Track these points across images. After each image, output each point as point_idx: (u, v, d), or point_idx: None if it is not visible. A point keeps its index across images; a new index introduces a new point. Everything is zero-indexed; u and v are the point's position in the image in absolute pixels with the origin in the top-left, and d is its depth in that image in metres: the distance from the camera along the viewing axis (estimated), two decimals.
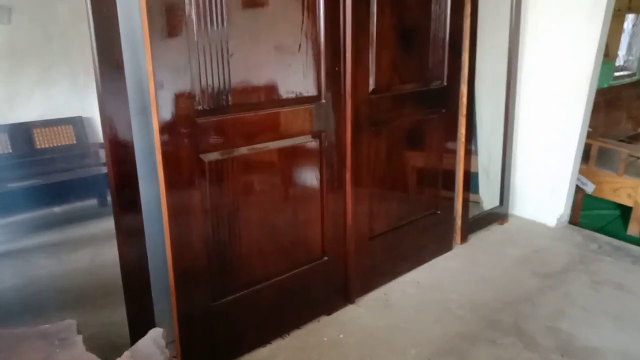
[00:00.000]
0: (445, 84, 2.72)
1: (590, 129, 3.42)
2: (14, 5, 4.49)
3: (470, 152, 3.05)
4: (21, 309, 2.13)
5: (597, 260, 2.95)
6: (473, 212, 3.40)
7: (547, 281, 2.72)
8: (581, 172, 3.77)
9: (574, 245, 3.16)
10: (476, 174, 3.59)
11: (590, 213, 4.39)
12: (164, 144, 1.71)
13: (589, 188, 3.72)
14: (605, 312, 2.44)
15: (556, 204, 3.40)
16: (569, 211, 3.46)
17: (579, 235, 3.30)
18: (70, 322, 1.41)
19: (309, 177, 2.20)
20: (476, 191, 3.62)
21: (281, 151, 2.07)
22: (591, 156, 4.08)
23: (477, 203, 3.61)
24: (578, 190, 3.72)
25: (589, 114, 3.27)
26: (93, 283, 2.74)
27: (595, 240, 3.22)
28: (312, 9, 2.03)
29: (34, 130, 3.72)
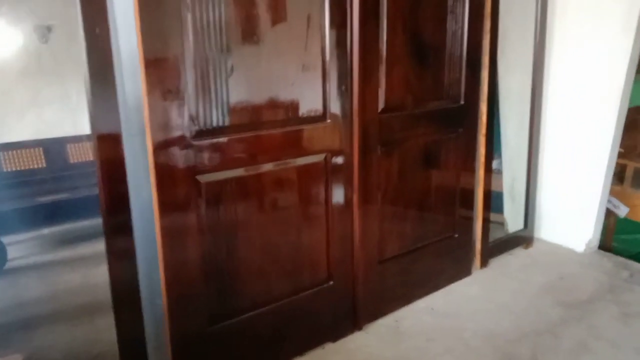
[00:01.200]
0: (463, 102, 2.61)
1: (621, 149, 3.24)
2: (53, 24, 4.60)
3: (490, 173, 2.92)
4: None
5: (628, 290, 2.77)
6: (496, 234, 3.26)
7: (572, 311, 2.55)
8: (615, 194, 3.57)
9: (604, 272, 2.97)
10: (501, 193, 3.46)
11: (626, 237, 4.14)
12: (158, 166, 1.68)
13: (622, 211, 3.51)
14: (635, 348, 2.27)
15: (585, 228, 3.22)
16: (598, 236, 3.27)
17: (609, 262, 3.11)
18: (16, 357, 1.36)
19: (314, 198, 2.13)
20: (501, 211, 3.48)
21: (283, 172, 2.01)
22: (626, 177, 3.85)
23: (502, 224, 3.47)
24: (610, 213, 3.52)
25: (620, 133, 3.10)
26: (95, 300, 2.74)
27: (627, 268, 3.03)
28: (316, 26, 1.98)
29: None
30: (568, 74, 3.12)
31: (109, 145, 1.63)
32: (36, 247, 3.74)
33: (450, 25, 2.45)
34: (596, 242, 3.27)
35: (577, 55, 3.06)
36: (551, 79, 3.19)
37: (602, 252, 3.27)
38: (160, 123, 1.66)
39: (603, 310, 2.56)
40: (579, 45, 3.04)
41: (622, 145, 3.25)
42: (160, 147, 1.67)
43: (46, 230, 4.01)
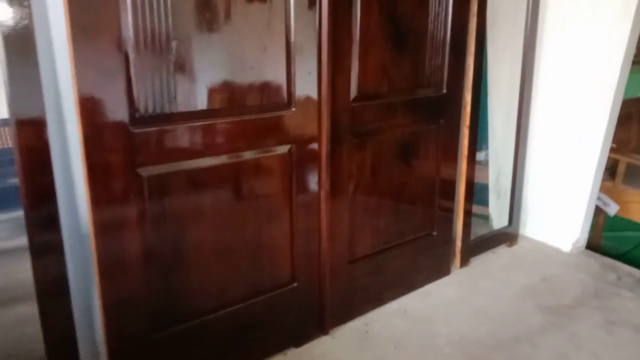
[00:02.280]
0: (445, 91, 2.42)
1: (613, 145, 3.07)
2: None
3: (473, 167, 2.75)
4: None
5: (615, 295, 2.61)
6: (481, 229, 3.10)
7: (553, 317, 2.40)
8: (606, 190, 3.41)
9: (590, 274, 2.82)
10: (487, 186, 3.29)
11: (616, 235, 4.00)
12: (90, 156, 1.49)
13: (612, 209, 3.35)
14: None
15: (572, 226, 3.06)
16: (586, 235, 3.12)
17: (597, 263, 2.96)
18: None
19: (275, 194, 1.95)
20: (488, 204, 3.32)
21: (241, 165, 1.82)
22: (618, 173, 3.69)
23: (487, 218, 3.31)
24: (600, 211, 3.36)
25: (613, 127, 2.92)
26: None
27: (615, 270, 2.88)
28: (280, 2, 1.77)
29: None
30: (560, 64, 2.93)
31: (30, 131, 1.43)
32: None
33: (432, 6, 2.24)
34: (583, 242, 3.12)
35: (570, 44, 2.86)
36: (542, 68, 3.00)
37: (589, 252, 3.11)
38: (93, 108, 1.46)
39: (587, 317, 2.41)
40: (573, 34, 2.84)
41: (615, 139, 3.08)
42: (93, 136, 1.48)
43: None
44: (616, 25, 2.66)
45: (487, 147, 3.35)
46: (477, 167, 3.31)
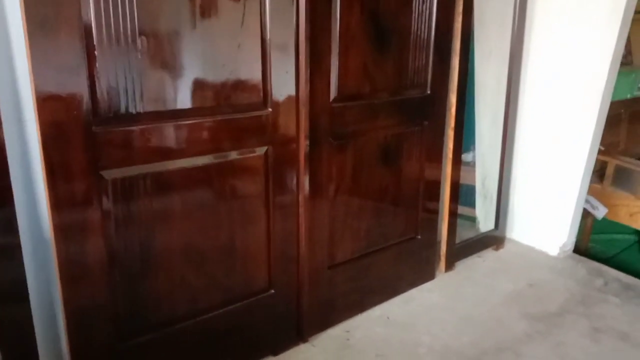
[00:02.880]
0: (429, 92, 2.36)
1: (601, 147, 3.02)
2: None
3: (458, 170, 2.69)
4: None
5: (601, 301, 2.56)
6: (468, 232, 3.04)
7: (538, 325, 2.34)
8: (594, 192, 3.36)
9: (576, 280, 2.77)
10: (474, 187, 3.24)
11: (604, 237, 3.96)
12: (49, 158, 1.41)
13: (600, 212, 3.30)
14: None
15: (559, 230, 3.01)
16: (573, 239, 3.07)
17: (584, 267, 2.91)
18: None
19: (251, 197, 1.87)
20: (474, 205, 3.26)
21: (213, 167, 1.75)
22: (607, 175, 3.64)
23: (474, 220, 3.25)
24: (588, 214, 3.32)
25: (601, 129, 2.87)
26: None
27: (602, 275, 2.83)
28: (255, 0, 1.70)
29: None
30: (547, 65, 2.88)
31: None
32: None
33: (416, 5, 2.18)
34: (571, 246, 3.07)
35: (558, 46, 2.81)
36: (529, 69, 2.95)
37: (576, 256, 3.06)
38: (52, 107, 1.38)
39: (572, 325, 2.36)
40: (561, 36, 2.79)
41: (603, 141, 3.03)
42: (53, 136, 1.40)
43: None
44: (604, 27, 2.61)
45: (474, 149, 3.29)
46: (465, 168, 3.26)
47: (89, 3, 1.38)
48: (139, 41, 1.49)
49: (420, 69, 2.29)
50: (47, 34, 1.33)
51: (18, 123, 1.51)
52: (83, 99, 1.42)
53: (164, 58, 1.55)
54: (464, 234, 3.02)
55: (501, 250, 3.09)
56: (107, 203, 1.54)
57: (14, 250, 1.46)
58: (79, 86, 1.41)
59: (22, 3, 1.29)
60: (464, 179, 3.22)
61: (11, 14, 1.41)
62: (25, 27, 1.31)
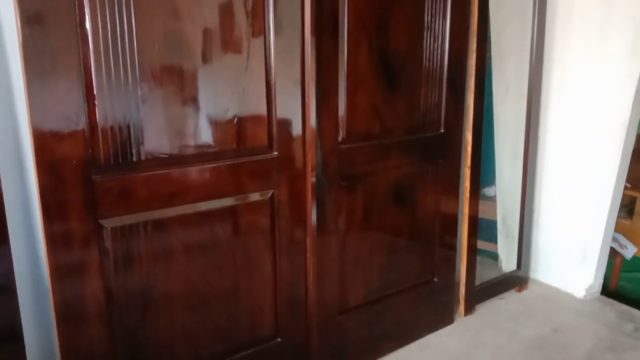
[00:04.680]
0: (443, 130, 2.29)
1: (627, 184, 2.90)
2: None
3: (476, 210, 2.59)
4: None
5: (632, 349, 2.41)
6: (489, 272, 2.92)
7: None
8: (623, 229, 3.22)
9: (604, 324, 2.61)
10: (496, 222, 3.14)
11: (634, 276, 3.77)
12: (47, 207, 1.39)
13: (629, 252, 3.15)
14: None
15: (586, 270, 2.87)
16: (600, 280, 2.92)
17: (612, 310, 2.75)
18: None
19: (256, 242, 1.83)
20: (497, 241, 3.16)
21: (215, 213, 1.71)
22: (636, 211, 3.49)
23: (497, 257, 3.13)
24: (616, 253, 3.16)
25: (627, 163, 2.74)
26: None
27: (632, 320, 2.67)
28: (259, 44, 1.68)
29: None
30: (568, 99, 2.79)
31: None
32: None
33: (427, 43, 2.14)
34: (598, 287, 2.91)
35: (578, 78, 2.73)
36: (550, 104, 2.86)
37: (604, 298, 2.90)
38: (51, 155, 1.37)
39: None
40: (581, 68, 2.71)
41: (630, 176, 2.90)
42: (51, 185, 1.38)
43: None
44: (626, 59, 2.53)
45: (495, 183, 3.21)
46: (487, 202, 3.17)
47: (89, 54, 1.38)
48: (139, 89, 1.47)
49: (433, 107, 2.24)
50: (45, 85, 1.33)
51: (19, 171, 1.51)
52: (82, 147, 1.41)
53: (166, 105, 1.54)
54: (485, 273, 2.91)
55: (524, 292, 2.96)
56: (106, 251, 1.51)
57: (10, 297, 1.44)
58: (78, 135, 1.40)
59: (22, 54, 1.29)
60: (485, 214, 3.13)
61: (14, 63, 1.43)
62: (25, 77, 1.31)
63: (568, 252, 2.92)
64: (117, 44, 1.42)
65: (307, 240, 1.95)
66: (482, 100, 2.46)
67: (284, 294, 1.93)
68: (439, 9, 2.13)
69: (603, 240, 2.81)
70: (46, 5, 1.30)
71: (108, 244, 1.51)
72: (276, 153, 1.80)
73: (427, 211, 2.35)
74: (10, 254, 1.46)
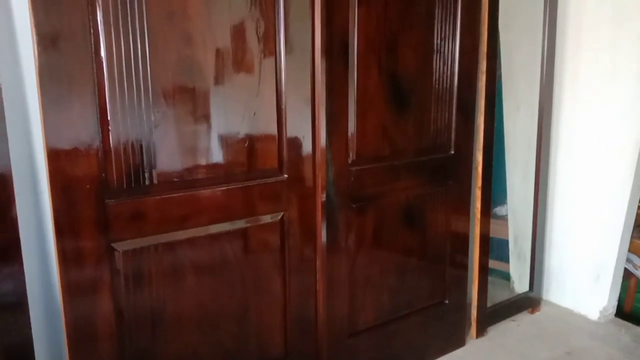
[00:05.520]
0: (453, 151, 2.30)
1: None
2: None
3: (488, 230, 2.58)
4: None
5: None
6: (501, 293, 2.90)
7: None
8: (637, 250, 3.17)
9: (619, 348, 2.57)
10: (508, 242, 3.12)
11: None
12: (60, 230, 1.41)
13: None
14: None
15: (599, 292, 2.83)
16: (615, 302, 2.88)
17: (628, 334, 2.71)
18: None
19: (266, 264, 1.83)
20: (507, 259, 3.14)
21: (226, 235, 1.72)
22: None
23: (509, 276, 3.10)
24: (630, 274, 3.12)
25: None
26: None
27: None
28: (270, 68, 1.71)
29: None
30: (580, 119, 2.79)
31: None
32: None
33: (437, 65, 2.15)
34: (612, 309, 2.87)
35: (589, 99, 2.73)
36: (561, 124, 2.86)
37: (619, 320, 2.86)
38: (65, 179, 1.39)
39: None
40: (592, 88, 2.70)
41: None
42: (64, 208, 1.40)
43: None
44: (636, 80, 2.52)
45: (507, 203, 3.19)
46: (500, 222, 3.15)
47: (104, 80, 1.41)
48: (152, 114, 1.50)
49: (443, 128, 2.24)
50: (60, 110, 1.36)
51: (34, 194, 1.53)
52: (96, 172, 1.43)
53: (179, 129, 1.56)
54: (497, 294, 2.89)
55: (537, 314, 2.93)
56: (117, 273, 1.52)
57: (22, 315, 1.46)
58: (92, 159, 1.42)
59: (38, 80, 1.32)
60: (497, 233, 3.11)
61: (30, 89, 1.46)
62: (41, 102, 1.34)
63: (581, 273, 2.89)
64: (131, 70, 1.44)
65: (317, 261, 1.95)
66: (492, 121, 2.46)
67: (294, 315, 1.92)
68: (449, 32, 2.15)
69: (617, 261, 2.78)
70: (62, 33, 1.33)
71: (119, 266, 1.52)
72: (286, 175, 1.81)
73: (438, 232, 2.34)
74: (24, 274, 1.49)
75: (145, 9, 1.44)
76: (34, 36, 1.30)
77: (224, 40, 1.60)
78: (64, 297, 1.44)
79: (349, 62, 1.88)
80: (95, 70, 1.39)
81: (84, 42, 1.36)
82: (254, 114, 1.70)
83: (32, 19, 1.28)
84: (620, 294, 2.94)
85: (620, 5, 2.53)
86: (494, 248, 2.99)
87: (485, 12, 2.29)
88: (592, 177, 2.78)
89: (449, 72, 2.20)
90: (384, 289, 2.21)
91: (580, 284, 2.90)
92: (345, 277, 2.05)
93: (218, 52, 1.59)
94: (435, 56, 2.13)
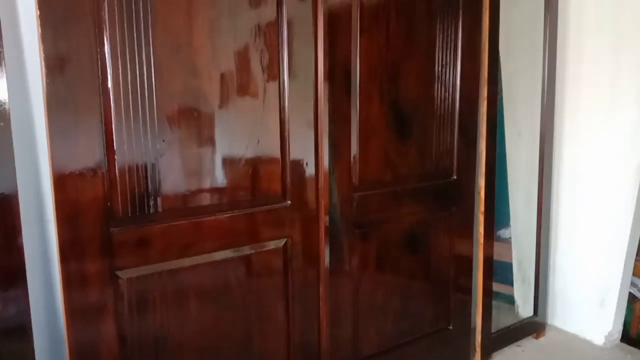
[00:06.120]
0: (455, 177, 2.31)
1: None
2: None
3: (491, 255, 2.57)
4: None
5: None
6: (505, 317, 2.87)
7: None
8: None
9: None
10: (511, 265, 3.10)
11: None
12: (65, 257, 1.42)
13: None
14: None
15: (604, 317, 2.81)
16: (620, 326, 2.85)
17: (633, 359, 2.68)
18: None
19: (269, 291, 1.84)
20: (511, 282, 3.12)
21: (229, 262, 1.73)
22: None
23: (513, 299, 3.08)
24: (635, 298, 3.10)
25: None
26: None
27: None
28: (274, 97, 1.74)
29: None
30: (582, 143, 2.80)
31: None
32: None
33: (438, 92, 2.18)
34: (618, 334, 2.85)
35: (590, 125, 2.74)
36: (563, 148, 2.87)
37: (625, 345, 2.83)
38: (70, 208, 1.41)
39: None
40: (593, 115, 2.72)
41: None
42: (70, 237, 1.42)
43: None
44: (636, 107, 2.54)
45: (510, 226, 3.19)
46: (503, 244, 3.14)
47: (110, 110, 1.43)
48: (158, 144, 1.52)
49: (445, 154, 2.26)
50: (67, 140, 1.38)
51: (40, 223, 1.55)
52: (101, 201, 1.45)
53: (184, 158, 1.58)
54: (502, 318, 2.87)
55: (542, 339, 2.90)
56: (121, 300, 1.53)
57: (26, 341, 1.46)
58: (98, 189, 1.44)
59: (46, 112, 1.35)
60: (501, 256, 3.10)
61: (38, 120, 1.48)
62: (48, 133, 1.36)
63: (586, 298, 2.88)
64: (138, 100, 1.47)
65: (320, 287, 1.95)
66: (494, 146, 2.47)
67: (297, 341, 1.92)
68: (450, 59, 2.19)
69: (621, 285, 2.76)
70: (71, 64, 1.36)
71: (123, 293, 1.53)
72: (290, 201, 1.83)
73: (442, 257, 2.35)
74: (28, 301, 1.48)
75: (152, 41, 1.47)
76: (43, 68, 1.33)
77: (229, 71, 1.63)
78: (68, 323, 1.44)
79: (352, 90, 1.91)
80: (102, 101, 1.42)
81: (91, 73, 1.39)
82: (258, 141, 1.73)
83: (42, 51, 1.32)
84: (625, 318, 2.92)
85: (620, 35, 2.57)
86: (498, 271, 2.97)
87: (485, 38, 2.32)
88: (595, 201, 2.78)
89: (450, 98, 2.23)
90: (387, 315, 2.20)
91: (585, 309, 2.88)
92: (348, 303, 2.05)
93: (223, 82, 1.62)
94: (436, 83, 2.16)
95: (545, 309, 2.96)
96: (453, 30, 2.19)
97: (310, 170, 1.85)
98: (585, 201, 2.82)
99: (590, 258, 2.83)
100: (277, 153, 1.77)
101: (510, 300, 3.20)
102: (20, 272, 1.49)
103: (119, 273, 1.51)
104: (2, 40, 1.35)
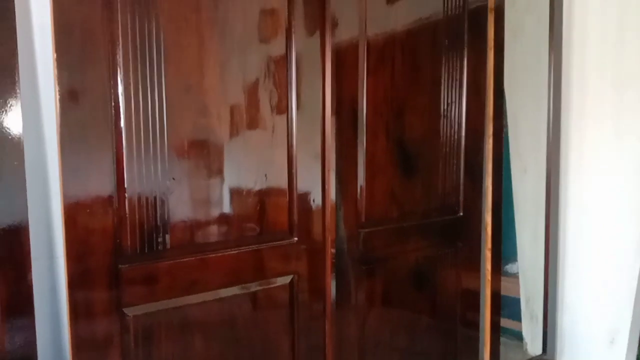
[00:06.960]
0: (462, 213, 2.32)
1: None
2: None
3: (499, 294, 2.55)
4: None
5: None
6: (513, 356, 2.84)
7: None
8: None
9: None
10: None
11: None
12: (73, 295, 1.43)
13: None
14: None
15: (615, 355, 2.76)
16: None
17: None
18: None
19: (274, 326, 1.83)
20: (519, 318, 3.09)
21: (236, 299, 1.73)
22: None
23: (522, 336, 3.04)
24: None
25: None
26: None
27: None
28: (282, 135, 1.77)
29: None
30: (588, 179, 2.80)
31: (12, 269, 1.40)
32: None
33: (444, 129, 2.21)
34: None
35: (596, 161, 2.75)
36: (569, 184, 2.87)
37: None
38: (80, 245, 1.42)
39: None
40: (598, 150, 2.73)
41: None
42: (78, 274, 1.42)
43: None
44: None
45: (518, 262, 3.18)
46: (510, 279, 3.13)
47: (122, 150, 1.46)
48: (168, 181, 1.55)
49: (451, 191, 2.28)
50: (79, 179, 1.41)
51: (50, 259, 1.56)
52: (111, 238, 1.47)
53: (193, 196, 1.61)
54: (510, 355, 2.83)
55: None
56: (127, 336, 1.53)
57: None
58: (108, 226, 1.46)
59: (59, 149, 1.38)
60: (508, 291, 3.07)
61: (51, 159, 1.52)
62: (61, 172, 1.39)
63: (595, 336, 2.83)
64: (149, 140, 1.51)
65: (327, 323, 1.94)
66: (500, 182, 2.48)
67: None
68: (455, 96, 2.22)
69: (632, 322, 2.72)
70: (85, 106, 1.39)
71: (129, 329, 1.53)
72: (296, 239, 1.84)
73: (449, 293, 2.34)
74: (35, 332, 1.49)
75: (164, 83, 1.51)
76: (58, 107, 1.36)
77: (238, 108, 1.67)
78: (73, 356, 1.44)
79: (358, 128, 1.94)
80: (114, 140, 1.45)
81: (104, 114, 1.43)
82: (266, 176, 1.75)
83: (57, 92, 1.35)
84: (637, 356, 2.87)
85: (622, 73, 2.60)
86: (505, 306, 2.95)
87: (490, 76, 2.36)
88: (603, 238, 2.76)
89: (456, 135, 2.25)
90: (394, 351, 2.18)
91: (595, 347, 2.84)
92: (354, 339, 2.03)
93: (232, 122, 1.65)
94: (442, 120, 2.19)
95: (554, 347, 2.92)
96: (458, 68, 2.24)
97: (317, 205, 1.87)
98: (594, 237, 2.81)
99: (599, 295, 2.80)
100: (284, 189, 1.80)
101: (518, 335, 3.16)
102: (28, 306, 1.49)
103: (126, 310, 1.51)
104: (19, 82, 1.39)
